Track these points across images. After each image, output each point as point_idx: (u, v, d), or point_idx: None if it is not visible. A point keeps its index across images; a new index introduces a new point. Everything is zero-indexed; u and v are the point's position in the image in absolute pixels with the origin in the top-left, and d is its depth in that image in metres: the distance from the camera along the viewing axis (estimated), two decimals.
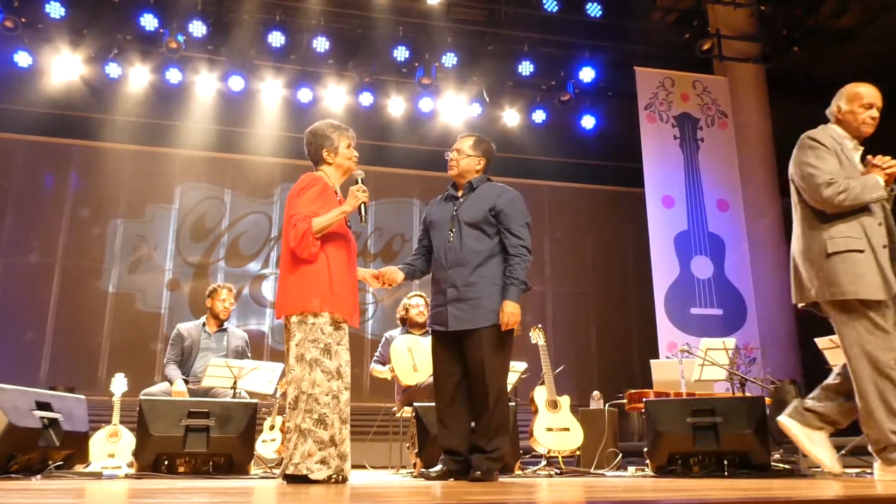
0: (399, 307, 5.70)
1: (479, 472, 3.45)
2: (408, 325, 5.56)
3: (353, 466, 3.40)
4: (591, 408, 6.23)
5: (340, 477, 3.21)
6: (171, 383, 5.11)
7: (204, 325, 5.45)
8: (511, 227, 3.61)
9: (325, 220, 3.32)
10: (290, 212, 3.36)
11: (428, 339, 3.71)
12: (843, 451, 4.72)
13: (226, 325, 5.52)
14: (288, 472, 3.20)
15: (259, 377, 5.19)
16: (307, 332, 3.28)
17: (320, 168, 3.56)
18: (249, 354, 5.56)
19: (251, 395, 5.16)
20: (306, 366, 3.24)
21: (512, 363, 5.33)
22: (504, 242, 3.62)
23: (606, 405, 6.15)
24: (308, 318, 3.30)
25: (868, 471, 4.00)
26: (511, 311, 3.50)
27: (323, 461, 3.18)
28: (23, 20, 7.54)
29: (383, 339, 5.64)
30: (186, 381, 5.16)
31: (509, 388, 5.35)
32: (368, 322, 9.13)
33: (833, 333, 4.96)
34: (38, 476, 3.57)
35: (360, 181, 3.47)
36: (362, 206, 3.42)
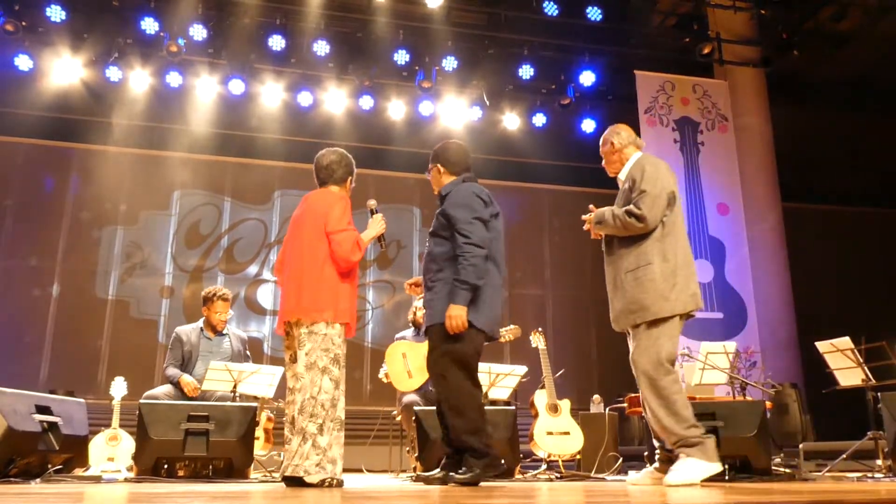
0: (410, 309, 5.71)
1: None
2: (416, 326, 5.55)
3: (353, 470, 3.44)
4: (591, 411, 6.21)
5: (335, 481, 3.31)
6: (176, 383, 5.05)
7: (202, 329, 5.39)
8: (457, 226, 3.51)
9: (366, 240, 3.61)
10: (330, 225, 3.48)
11: (425, 345, 3.72)
12: (843, 456, 4.72)
13: (226, 328, 5.45)
14: (287, 473, 3.31)
15: (259, 381, 5.17)
16: (319, 341, 3.40)
17: (329, 187, 3.70)
18: (249, 355, 5.49)
19: (249, 398, 5.13)
20: (318, 373, 3.37)
21: (512, 367, 5.34)
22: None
23: (607, 409, 6.13)
24: (321, 328, 3.41)
25: (869, 475, 3.99)
26: (454, 315, 3.40)
27: (320, 465, 3.29)
28: (23, 23, 7.55)
29: (394, 340, 5.63)
30: None
31: (509, 392, 5.36)
32: (367, 327, 9.10)
33: (831, 338, 4.95)
34: (38, 480, 3.57)
35: (375, 210, 3.78)
36: (383, 235, 3.75)
